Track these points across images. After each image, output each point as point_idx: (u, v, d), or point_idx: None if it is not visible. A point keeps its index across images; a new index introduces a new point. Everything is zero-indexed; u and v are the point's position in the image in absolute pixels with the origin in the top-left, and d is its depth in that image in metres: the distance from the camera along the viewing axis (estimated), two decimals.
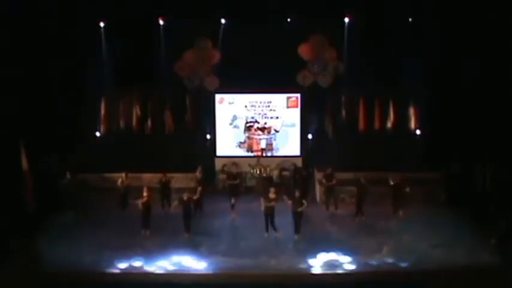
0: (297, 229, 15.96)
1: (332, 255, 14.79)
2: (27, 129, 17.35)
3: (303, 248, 15.35)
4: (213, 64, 21.17)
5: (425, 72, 19.55)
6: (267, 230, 16.08)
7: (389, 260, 14.55)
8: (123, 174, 18.51)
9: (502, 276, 13.49)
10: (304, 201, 16.11)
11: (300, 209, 15.90)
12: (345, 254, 14.83)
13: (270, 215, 16.01)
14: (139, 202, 16.17)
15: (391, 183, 17.62)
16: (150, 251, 15.20)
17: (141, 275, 14.06)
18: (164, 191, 18.43)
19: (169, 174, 18.71)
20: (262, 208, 16.10)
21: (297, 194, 16.32)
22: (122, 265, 14.42)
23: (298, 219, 15.97)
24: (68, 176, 18.63)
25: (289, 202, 16.09)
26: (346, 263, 14.41)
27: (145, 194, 16.31)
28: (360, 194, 17.63)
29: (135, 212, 17.74)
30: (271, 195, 16.09)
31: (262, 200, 16.26)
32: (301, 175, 19.89)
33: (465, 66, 18.66)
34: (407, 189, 17.48)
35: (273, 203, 15.99)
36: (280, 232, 16.04)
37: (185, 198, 16.22)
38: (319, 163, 20.28)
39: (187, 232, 16.15)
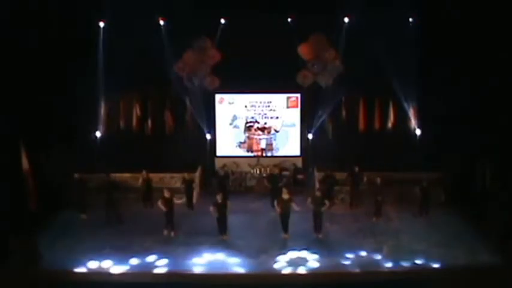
0: (318, 228, 16.04)
1: (332, 255, 14.79)
2: (27, 129, 17.34)
3: (303, 248, 15.34)
4: (213, 64, 21.16)
5: (425, 72, 19.54)
6: (284, 231, 16.07)
7: (389, 260, 14.55)
8: (144, 172, 18.75)
9: (502, 276, 13.50)
10: (326, 201, 16.14)
11: (322, 209, 15.99)
12: (345, 254, 14.83)
13: (286, 215, 15.97)
14: (162, 204, 16.23)
15: (423, 185, 17.59)
16: (150, 251, 15.21)
17: (141, 275, 14.07)
18: (188, 189, 18.60)
19: (191, 174, 19.13)
20: (278, 211, 16.09)
21: (318, 194, 16.31)
22: (122, 265, 14.42)
23: (319, 219, 16.02)
24: (69, 176, 18.68)
25: (309, 201, 16.13)
26: (346, 263, 14.41)
27: (166, 194, 16.32)
28: (376, 195, 17.60)
29: (138, 211, 17.85)
30: (285, 196, 16.06)
31: (275, 202, 16.27)
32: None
33: (466, 66, 18.63)
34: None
35: (288, 204, 15.95)
36: (289, 234, 16.03)
37: (219, 201, 16.08)
38: (319, 163, 20.31)
39: (224, 234, 16.04)
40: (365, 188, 18.53)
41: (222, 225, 16.06)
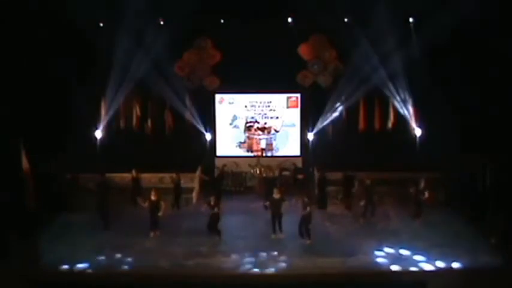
0: (305, 234, 15.77)
1: (332, 255, 14.79)
2: (28, 129, 17.35)
3: (303, 248, 15.35)
4: (213, 64, 21.17)
5: (425, 72, 19.54)
6: (273, 231, 15.97)
7: (389, 260, 14.55)
8: (133, 171, 18.76)
9: (502, 276, 13.49)
10: (308, 208, 15.82)
11: (303, 213, 15.81)
12: (345, 254, 14.82)
13: (277, 215, 15.90)
14: (146, 203, 16.09)
15: (420, 186, 17.49)
16: (150, 251, 15.21)
17: (141, 275, 14.05)
18: (177, 190, 18.37)
19: (180, 174, 18.79)
20: (269, 210, 15.98)
21: (305, 199, 16.05)
22: (121, 265, 14.43)
23: (305, 223, 15.79)
24: (68, 176, 18.70)
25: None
26: (346, 263, 14.40)
27: (153, 196, 16.17)
28: (366, 195, 17.50)
29: (138, 211, 17.82)
30: (276, 196, 16.04)
31: (268, 202, 16.14)
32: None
33: (465, 66, 18.65)
34: (426, 195, 17.30)
35: (279, 203, 15.87)
36: (283, 233, 15.99)
37: (212, 202, 16.03)
38: (319, 163, 20.31)
39: (218, 235, 15.96)
40: (358, 189, 18.51)
41: (213, 227, 16.05)
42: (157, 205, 16.09)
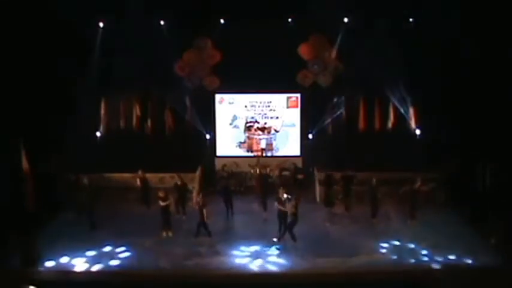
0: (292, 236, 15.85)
1: (332, 255, 14.79)
2: (28, 129, 17.33)
3: (303, 248, 15.35)
4: (213, 64, 21.16)
5: (425, 72, 19.53)
6: (280, 230, 15.94)
7: (390, 260, 14.56)
8: (140, 172, 18.61)
9: (502, 276, 13.50)
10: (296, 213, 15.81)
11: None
12: (346, 254, 14.83)
13: (283, 215, 15.86)
14: (163, 204, 16.13)
15: (415, 187, 17.44)
16: (150, 251, 15.22)
17: (141, 275, 14.07)
18: (180, 193, 17.85)
19: (183, 175, 18.50)
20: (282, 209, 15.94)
21: (294, 202, 15.89)
22: (121, 265, 14.44)
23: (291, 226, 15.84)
24: (68, 176, 18.68)
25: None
26: (346, 263, 14.41)
27: (161, 194, 16.21)
28: (373, 195, 17.54)
29: (138, 211, 17.85)
30: (281, 196, 15.96)
31: (276, 203, 16.09)
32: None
33: (465, 66, 18.64)
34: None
35: (286, 205, 15.82)
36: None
37: (200, 201, 16.07)
38: (319, 163, 20.31)
39: (210, 236, 16.02)
40: (358, 188, 18.47)
41: (199, 224, 16.11)
42: (167, 200, 16.24)
